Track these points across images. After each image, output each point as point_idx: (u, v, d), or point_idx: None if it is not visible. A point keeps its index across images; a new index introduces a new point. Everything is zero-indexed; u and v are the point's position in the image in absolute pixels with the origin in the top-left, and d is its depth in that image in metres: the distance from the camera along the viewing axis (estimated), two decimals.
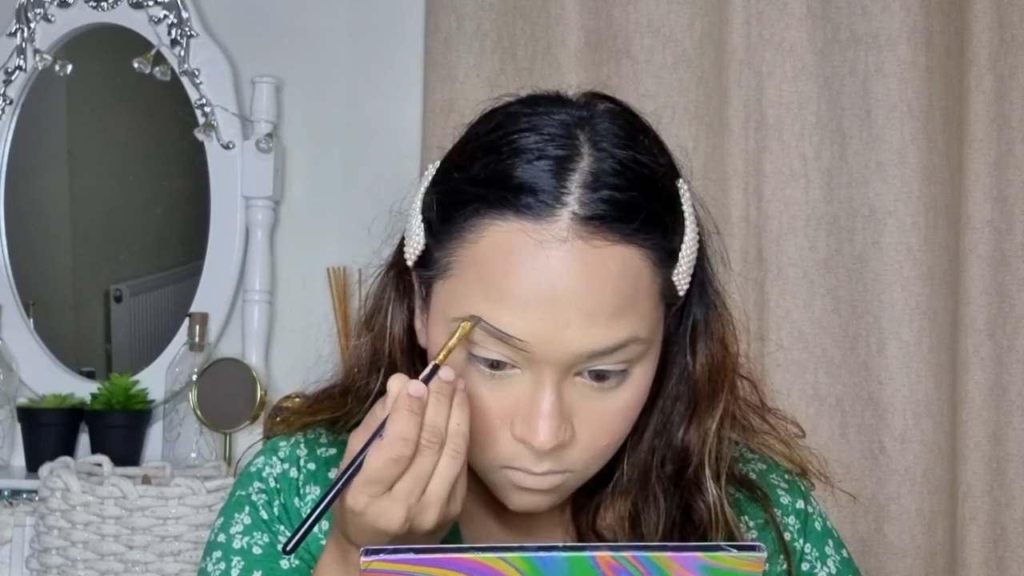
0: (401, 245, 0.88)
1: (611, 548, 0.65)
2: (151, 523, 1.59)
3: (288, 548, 0.73)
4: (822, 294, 1.71)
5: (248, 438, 1.87)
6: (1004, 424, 1.69)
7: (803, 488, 0.99)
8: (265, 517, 0.90)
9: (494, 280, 0.77)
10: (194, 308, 1.94)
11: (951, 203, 1.69)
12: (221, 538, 0.90)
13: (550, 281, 0.76)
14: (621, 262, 0.78)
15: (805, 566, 0.95)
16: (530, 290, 0.77)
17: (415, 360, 0.90)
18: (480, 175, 0.80)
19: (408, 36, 1.91)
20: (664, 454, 0.89)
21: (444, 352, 0.78)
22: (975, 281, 1.71)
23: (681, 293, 0.84)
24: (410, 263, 0.85)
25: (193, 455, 1.88)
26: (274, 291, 1.95)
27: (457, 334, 0.78)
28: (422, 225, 0.84)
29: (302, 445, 0.93)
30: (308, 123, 1.97)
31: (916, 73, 1.66)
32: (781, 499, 0.97)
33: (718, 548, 0.65)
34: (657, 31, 1.72)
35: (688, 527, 0.89)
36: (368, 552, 0.64)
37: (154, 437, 1.95)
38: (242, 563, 0.88)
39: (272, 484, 0.91)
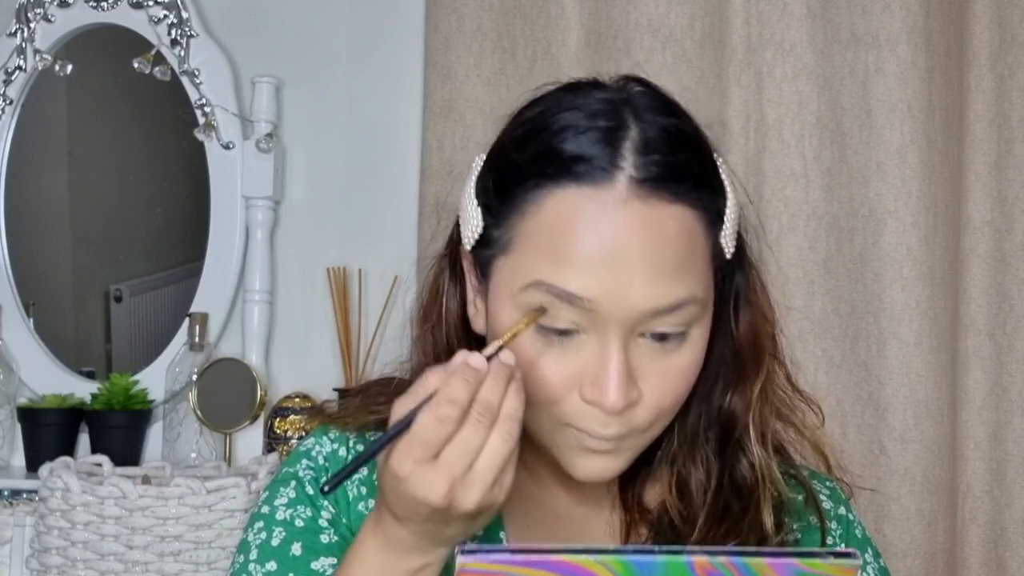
0: (450, 239, 0.92)
1: (707, 552, 0.65)
2: (151, 523, 1.59)
3: (326, 488, 0.75)
4: (822, 294, 1.71)
5: (248, 438, 1.88)
6: (1004, 424, 1.69)
7: (843, 496, 1.00)
8: (311, 492, 0.92)
9: (558, 245, 0.80)
10: (194, 308, 1.94)
11: (951, 203, 1.69)
12: (265, 509, 0.92)
13: (614, 240, 0.79)
14: (678, 221, 0.81)
15: None
16: (594, 250, 0.79)
17: (471, 346, 0.91)
18: (533, 152, 0.83)
19: (408, 36, 1.91)
20: (709, 419, 0.92)
21: (510, 334, 0.79)
22: (975, 281, 1.71)
23: (728, 255, 0.87)
24: (468, 246, 0.88)
25: (193, 455, 1.88)
26: (274, 291, 1.95)
27: (526, 319, 0.80)
28: (479, 209, 0.86)
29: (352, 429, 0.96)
30: (308, 123, 1.97)
31: (916, 73, 1.66)
32: (823, 504, 0.97)
33: (815, 555, 0.66)
34: (657, 31, 1.72)
35: (732, 489, 0.91)
36: (465, 552, 0.65)
37: (154, 437, 1.95)
38: (284, 534, 0.90)
39: (321, 462, 0.93)
